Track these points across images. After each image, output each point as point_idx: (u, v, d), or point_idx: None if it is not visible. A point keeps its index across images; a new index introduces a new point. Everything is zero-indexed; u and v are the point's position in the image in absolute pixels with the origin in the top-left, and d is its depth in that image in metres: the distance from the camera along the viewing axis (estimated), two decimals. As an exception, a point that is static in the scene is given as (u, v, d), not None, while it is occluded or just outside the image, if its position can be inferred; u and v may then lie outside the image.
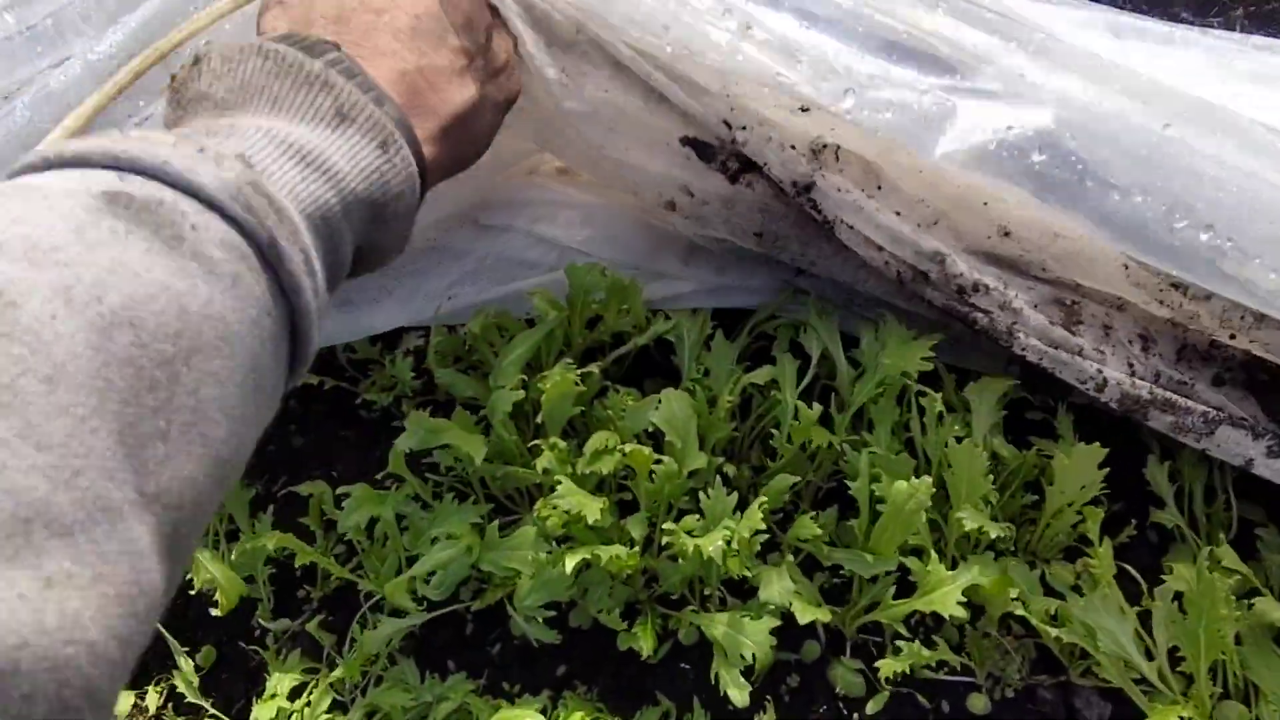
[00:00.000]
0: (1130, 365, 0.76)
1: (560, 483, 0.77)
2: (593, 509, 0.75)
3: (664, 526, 0.78)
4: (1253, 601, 0.76)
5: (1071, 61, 0.63)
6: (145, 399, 0.35)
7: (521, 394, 0.83)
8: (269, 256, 0.42)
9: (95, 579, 0.32)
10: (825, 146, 0.72)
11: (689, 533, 0.77)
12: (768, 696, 0.84)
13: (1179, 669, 0.77)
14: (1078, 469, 0.76)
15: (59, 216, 0.37)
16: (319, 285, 0.46)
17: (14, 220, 0.36)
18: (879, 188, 0.75)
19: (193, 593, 0.92)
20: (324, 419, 1.04)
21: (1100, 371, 0.74)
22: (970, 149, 0.65)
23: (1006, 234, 0.76)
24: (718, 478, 0.81)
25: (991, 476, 0.78)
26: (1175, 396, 0.76)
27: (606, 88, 0.71)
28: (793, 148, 0.73)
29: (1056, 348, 0.75)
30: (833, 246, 0.82)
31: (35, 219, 0.36)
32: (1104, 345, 0.77)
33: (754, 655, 0.77)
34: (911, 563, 0.79)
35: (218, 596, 0.88)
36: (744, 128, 0.72)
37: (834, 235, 0.77)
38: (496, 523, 0.85)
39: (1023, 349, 0.75)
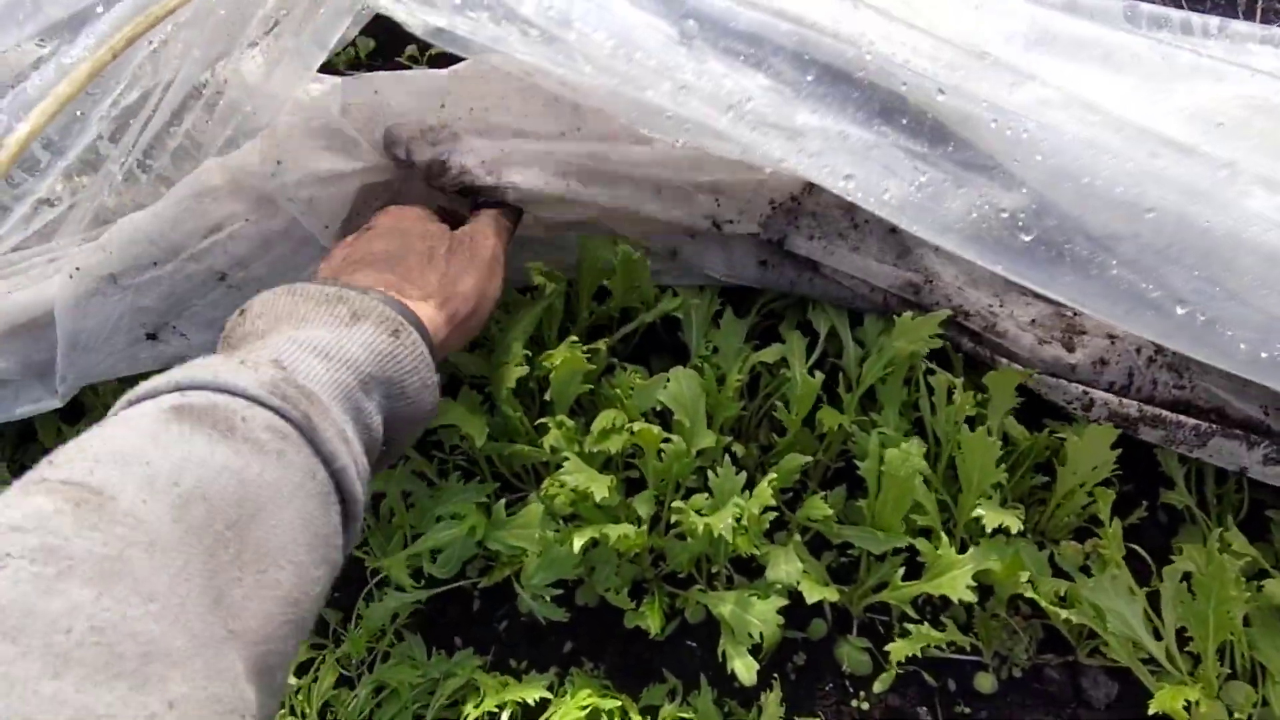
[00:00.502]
0: (1130, 375, 0.76)
1: (567, 459, 0.77)
2: (600, 487, 0.74)
3: (673, 505, 0.77)
4: (1262, 583, 0.76)
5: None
6: (220, 555, 0.45)
7: (525, 369, 0.82)
8: (306, 433, 0.53)
9: (208, 699, 0.40)
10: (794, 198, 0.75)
11: (698, 511, 0.76)
12: (774, 674, 0.84)
13: (1187, 649, 0.77)
14: (1090, 449, 0.75)
15: (138, 432, 0.48)
16: (355, 451, 0.56)
17: (105, 440, 0.48)
18: (854, 226, 0.76)
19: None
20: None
21: (1086, 393, 0.75)
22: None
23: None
24: (726, 456, 0.81)
25: (1005, 462, 0.77)
26: (1164, 413, 0.76)
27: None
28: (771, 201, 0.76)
29: (1044, 371, 0.75)
30: (822, 276, 0.84)
31: (121, 436, 0.48)
32: (1107, 354, 0.77)
33: (761, 634, 0.77)
34: (921, 544, 0.79)
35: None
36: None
37: (819, 271, 0.79)
38: (503, 501, 0.84)
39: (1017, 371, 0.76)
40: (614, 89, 0.60)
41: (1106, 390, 0.77)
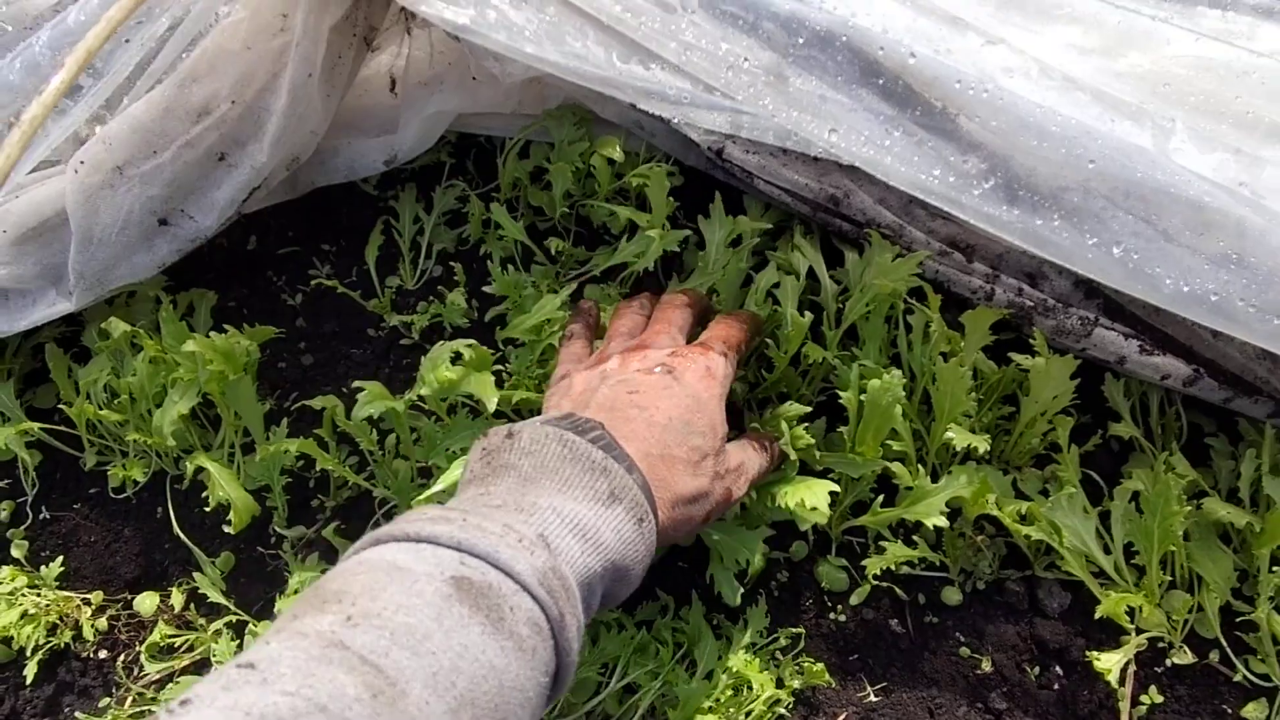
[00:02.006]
0: (1020, 290, 0.83)
1: None
2: None
3: None
4: (1200, 502, 0.84)
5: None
6: None
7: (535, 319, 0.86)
8: (556, 630, 0.56)
9: None
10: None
11: None
12: (759, 590, 0.91)
13: (1133, 562, 0.85)
14: (1051, 378, 0.82)
15: (425, 602, 0.51)
16: (580, 640, 0.59)
17: (399, 608, 0.50)
18: (784, 150, 0.80)
19: (209, 509, 0.96)
20: (332, 338, 1.07)
21: (988, 285, 0.82)
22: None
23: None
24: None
25: (975, 394, 0.84)
26: (1053, 301, 0.83)
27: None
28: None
29: (949, 267, 0.81)
30: (761, 181, 0.90)
31: (411, 607, 0.50)
32: (999, 263, 0.84)
33: (748, 560, 0.83)
34: (896, 468, 0.86)
35: (230, 515, 0.93)
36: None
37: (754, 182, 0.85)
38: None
39: (920, 265, 0.82)
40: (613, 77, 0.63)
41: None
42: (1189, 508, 0.80)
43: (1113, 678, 0.78)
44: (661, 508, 0.68)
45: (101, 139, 0.85)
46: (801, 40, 0.63)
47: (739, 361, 0.83)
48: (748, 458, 0.79)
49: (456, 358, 0.84)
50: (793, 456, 0.84)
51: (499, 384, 0.91)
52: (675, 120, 0.67)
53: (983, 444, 0.80)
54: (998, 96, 0.63)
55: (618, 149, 0.94)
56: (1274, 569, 0.82)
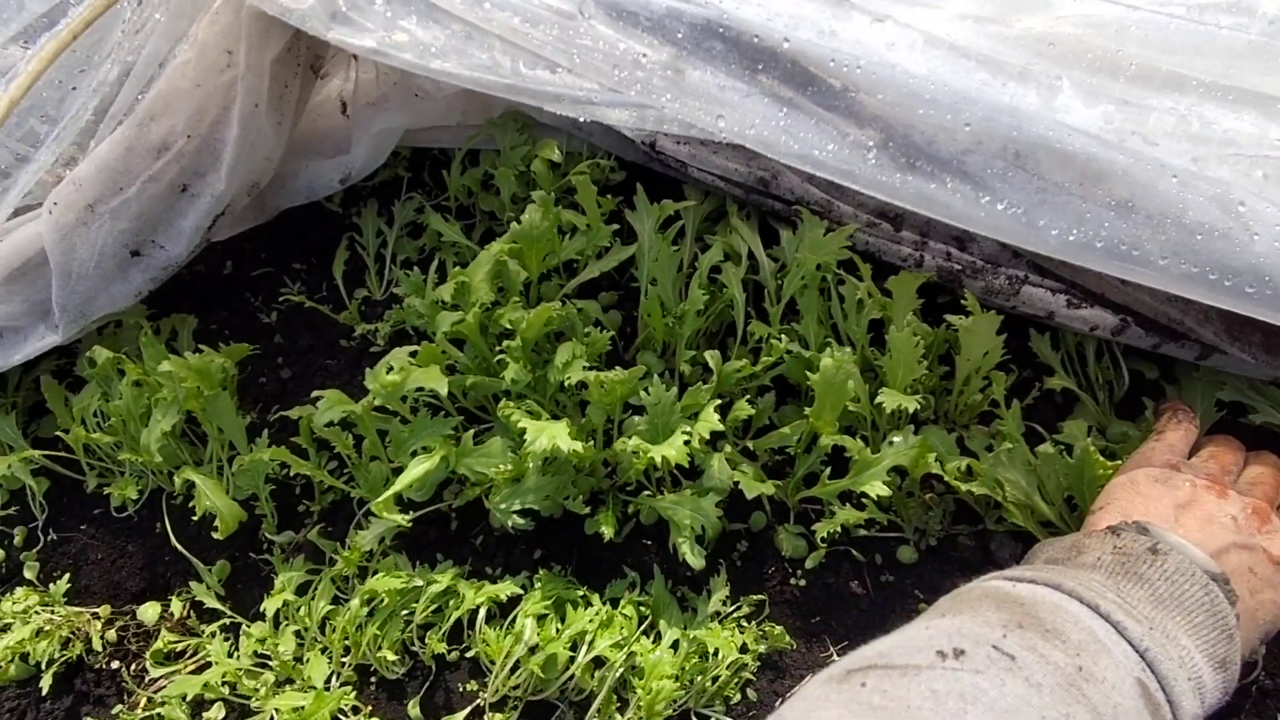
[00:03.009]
0: (948, 255, 0.85)
1: (524, 410, 0.86)
2: (564, 438, 0.82)
3: (629, 445, 0.86)
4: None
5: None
6: None
7: (459, 317, 0.91)
8: None
9: None
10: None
11: (640, 433, 0.86)
12: (720, 560, 0.95)
13: (1076, 512, 0.87)
14: (979, 335, 0.85)
15: (1125, 693, 0.57)
16: None
17: (1113, 688, 0.57)
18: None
19: (196, 519, 1.02)
20: (308, 351, 1.13)
21: (917, 253, 0.84)
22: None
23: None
24: (655, 378, 0.90)
25: (924, 360, 0.86)
26: (986, 264, 0.85)
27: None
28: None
29: (879, 238, 0.84)
30: (695, 169, 0.94)
31: (1119, 689, 0.57)
32: (926, 229, 0.87)
33: (704, 526, 0.87)
34: (845, 440, 0.89)
35: (217, 523, 0.98)
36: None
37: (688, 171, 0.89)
38: (471, 432, 0.94)
39: (850, 238, 0.85)
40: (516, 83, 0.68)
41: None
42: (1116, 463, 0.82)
43: None
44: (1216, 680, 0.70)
45: (72, 180, 0.92)
46: (681, 35, 0.67)
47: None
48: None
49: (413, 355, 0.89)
50: None
51: (452, 373, 0.95)
52: (583, 120, 0.71)
53: (911, 404, 0.83)
54: (875, 71, 0.66)
55: (556, 151, 0.98)
56: None
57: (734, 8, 0.68)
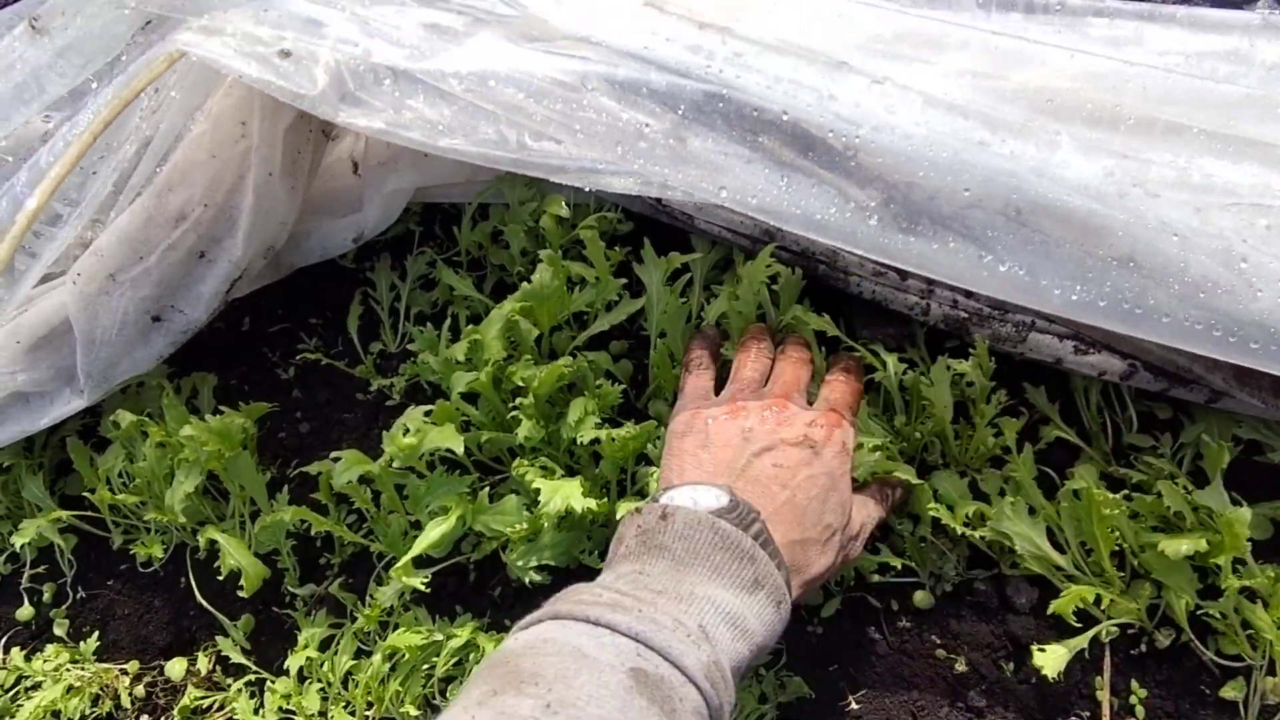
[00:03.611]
0: (955, 302, 0.86)
1: (536, 468, 0.87)
2: (577, 498, 0.83)
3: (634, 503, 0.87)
4: (1159, 541, 0.83)
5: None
6: None
7: (473, 376, 0.92)
8: (714, 717, 0.60)
9: None
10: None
11: (643, 491, 0.87)
12: (736, 611, 0.95)
13: (1092, 558, 0.87)
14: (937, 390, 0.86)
15: (611, 693, 0.56)
16: None
17: (591, 699, 0.55)
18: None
19: (221, 577, 1.04)
20: (325, 406, 1.15)
21: (924, 301, 0.84)
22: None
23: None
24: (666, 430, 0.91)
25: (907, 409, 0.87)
26: (988, 309, 0.85)
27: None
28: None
29: (885, 286, 0.85)
30: (702, 221, 0.96)
31: (600, 697, 0.55)
32: (931, 287, 0.87)
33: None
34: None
35: (242, 580, 1.00)
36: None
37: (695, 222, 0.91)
38: (486, 489, 0.95)
39: (858, 289, 0.86)
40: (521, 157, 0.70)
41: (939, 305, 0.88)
42: (1122, 508, 0.82)
43: (1049, 672, 0.80)
44: (795, 588, 0.72)
45: (94, 251, 0.94)
46: (682, 109, 0.68)
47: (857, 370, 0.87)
48: (867, 516, 0.83)
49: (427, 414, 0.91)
50: None
51: (467, 428, 0.96)
52: (588, 189, 0.73)
53: (874, 440, 0.84)
54: (875, 138, 0.67)
55: (563, 206, 0.99)
56: (1236, 569, 0.83)
57: (734, 77, 0.69)
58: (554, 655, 0.58)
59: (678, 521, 0.68)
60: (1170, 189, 0.71)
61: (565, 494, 0.83)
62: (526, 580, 0.94)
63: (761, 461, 0.75)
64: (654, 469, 0.92)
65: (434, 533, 0.88)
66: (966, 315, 0.89)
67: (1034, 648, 0.85)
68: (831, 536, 0.76)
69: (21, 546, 1.09)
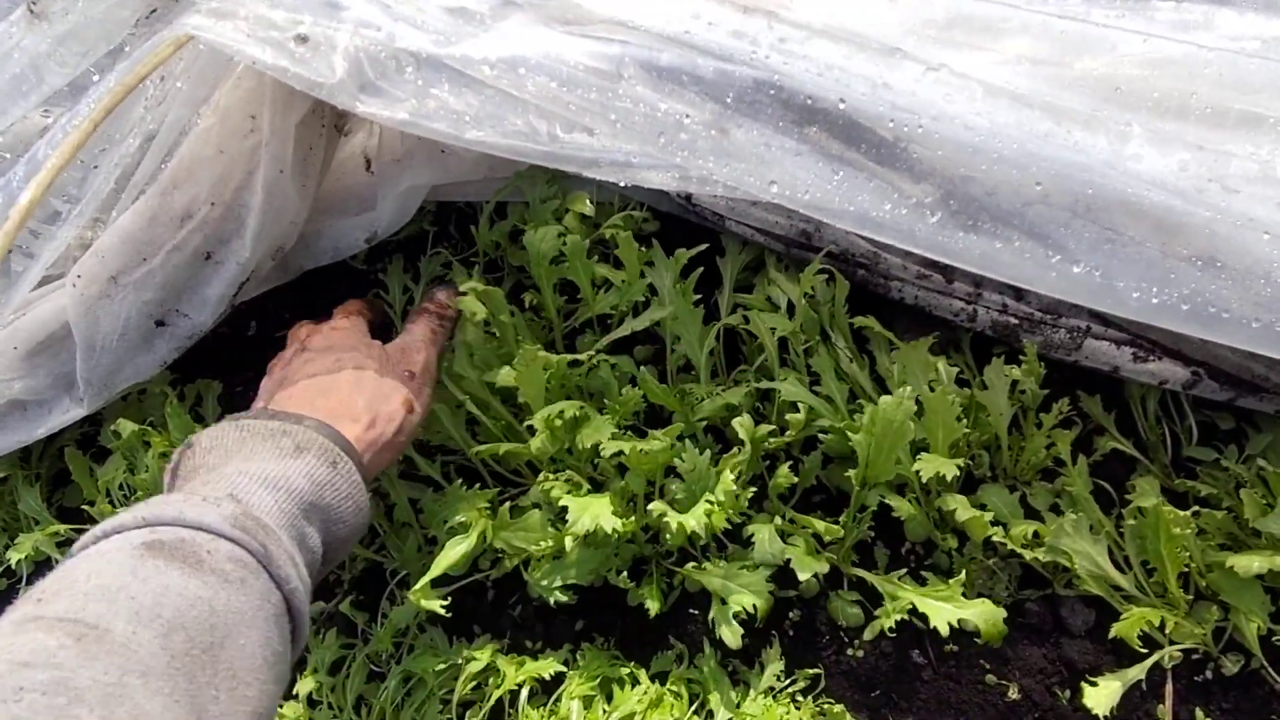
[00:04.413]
0: (1004, 307, 0.80)
1: (557, 482, 0.82)
2: (606, 515, 0.79)
3: (649, 507, 0.82)
4: (1230, 558, 0.78)
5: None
6: (199, 676, 0.53)
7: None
8: (263, 561, 0.61)
9: None
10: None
11: (675, 501, 0.82)
12: (773, 631, 0.90)
13: (1155, 578, 0.81)
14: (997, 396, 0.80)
15: (116, 566, 0.55)
16: (301, 572, 0.64)
17: (88, 575, 0.54)
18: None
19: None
20: (335, 413, 1.09)
21: (970, 306, 0.79)
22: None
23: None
24: (688, 443, 0.85)
25: (963, 419, 0.81)
26: (1039, 314, 0.80)
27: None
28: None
29: (929, 291, 0.80)
30: (732, 222, 0.91)
31: (101, 572, 0.55)
32: (979, 290, 0.82)
33: (755, 605, 0.82)
34: (894, 500, 0.84)
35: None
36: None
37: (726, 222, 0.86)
38: (507, 505, 0.90)
39: (899, 294, 0.80)
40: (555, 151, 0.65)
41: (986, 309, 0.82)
42: (1190, 528, 0.76)
43: (1100, 711, 0.75)
44: (355, 433, 0.75)
45: (95, 252, 0.89)
46: (730, 98, 0.63)
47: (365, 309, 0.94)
48: (410, 333, 0.88)
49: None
50: None
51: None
52: (624, 185, 0.68)
53: (951, 468, 0.78)
54: (936, 129, 0.62)
55: (588, 204, 0.95)
56: None
57: (781, 64, 0.64)
58: (57, 571, 0.56)
59: (203, 440, 0.70)
60: (1251, 184, 0.66)
61: (594, 513, 0.78)
62: (551, 600, 0.89)
63: (273, 373, 0.83)
64: (679, 484, 0.87)
65: (454, 552, 0.83)
66: (1017, 321, 0.84)
67: (1084, 684, 0.79)
68: (361, 371, 0.80)
69: (18, 562, 1.04)
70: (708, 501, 0.79)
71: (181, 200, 0.88)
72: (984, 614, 0.77)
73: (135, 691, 0.49)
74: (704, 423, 0.92)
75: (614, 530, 0.77)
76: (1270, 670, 0.80)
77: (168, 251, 0.90)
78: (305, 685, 0.92)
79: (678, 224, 0.98)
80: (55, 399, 1.00)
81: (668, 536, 0.84)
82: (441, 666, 0.89)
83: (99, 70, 0.84)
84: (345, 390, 0.78)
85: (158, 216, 0.88)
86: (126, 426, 0.96)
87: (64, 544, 1.10)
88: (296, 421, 0.72)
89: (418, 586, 0.82)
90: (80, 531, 1.07)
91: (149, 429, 0.98)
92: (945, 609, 0.77)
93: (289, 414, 0.74)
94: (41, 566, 1.13)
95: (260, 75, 0.80)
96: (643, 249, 0.95)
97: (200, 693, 0.52)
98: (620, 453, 0.85)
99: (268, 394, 0.82)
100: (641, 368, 0.96)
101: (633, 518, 0.84)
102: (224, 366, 1.13)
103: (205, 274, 0.93)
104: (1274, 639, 0.79)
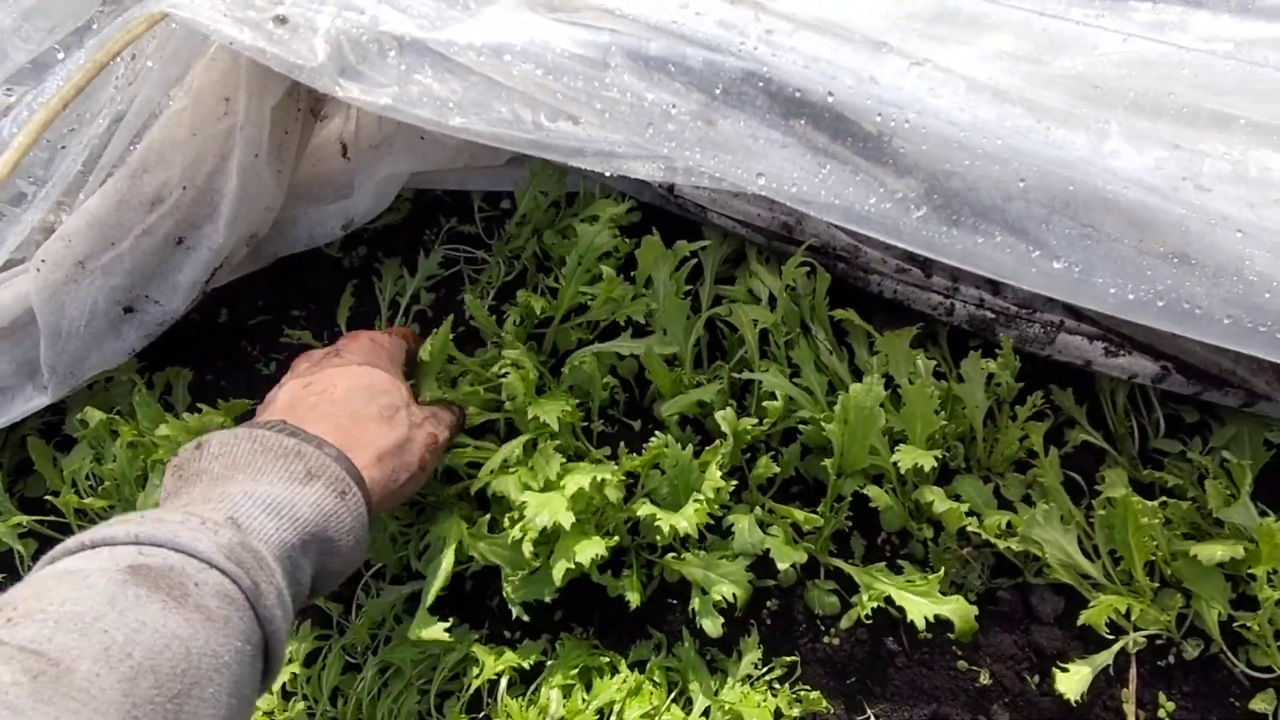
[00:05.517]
0: (981, 301, 0.82)
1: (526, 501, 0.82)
2: (565, 517, 0.78)
3: (644, 511, 0.82)
4: (1192, 548, 0.80)
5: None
6: None
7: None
8: (251, 598, 0.58)
9: None
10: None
11: (659, 499, 0.82)
12: (751, 620, 0.91)
13: (1121, 566, 0.83)
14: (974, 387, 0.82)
15: (96, 593, 0.52)
16: (287, 610, 0.61)
17: (64, 599, 0.51)
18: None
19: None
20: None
21: (948, 300, 0.80)
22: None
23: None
24: (670, 438, 0.85)
25: (940, 411, 0.83)
26: (1015, 308, 0.82)
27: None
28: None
29: (908, 285, 0.81)
30: (714, 214, 0.91)
31: (79, 598, 0.51)
32: (956, 285, 0.83)
33: (734, 594, 0.83)
34: (872, 490, 0.85)
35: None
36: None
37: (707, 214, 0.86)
38: (488, 516, 0.89)
39: (879, 288, 0.81)
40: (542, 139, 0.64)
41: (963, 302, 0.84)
42: (1158, 518, 0.78)
43: (1071, 695, 0.77)
44: (367, 467, 0.72)
45: (60, 236, 0.87)
46: (719, 88, 0.63)
47: (405, 336, 0.90)
48: (440, 412, 0.84)
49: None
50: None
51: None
52: (609, 175, 0.67)
53: (929, 460, 0.79)
54: (921, 123, 0.63)
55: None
56: (1271, 580, 0.80)
57: (769, 55, 0.64)
58: (34, 583, 0.53)
59: (213, 444, 0.67)
60: (1223, 182, 0.67)
61: (553, 510, 0.78)
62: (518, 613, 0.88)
63: (291, 389, 0.78)
64: (662, 477, 0.87)
65: (440, 576, 0.82)
66: (993, 315, 0.85)
67: (1055, 669, 0.81)
68: (395, 413, 0.77)
69: (-22, 553, 1.01)
70: (696, 500, 0.80)
71: (152, 184, 0.86)
72: (958, 611, 0.79)
73: None
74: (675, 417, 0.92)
75: (571, 525, 0.78)
76: (1229, 655, 0.83)
77: (137, 236, 0.87)
78: (280, 677, 0.91)
79: (659, 215, 0.98)
80: (18, 386, 0.97)
81: (657, 538, 0.84)
82: (419, 656, 0.88)
83: (64, 48, 0.82)
84: (373, 426, 0.74)
85: (127, 200, 0.86)
86: (94, 415, 0.94)
87: (26, 535, 1.07)
88: (317, 446, 0.68)
89: (417, 619, 0.82)
90: (43, 523, 1.05)
91: (116, 418, 0.95)
92: (922, 604, 0.78)
93: (309, 435, 0.69)
94: (4, 559, 1.10)
95: (235, 56, 0.78)
96: (626, 240, 0.94)
97: None
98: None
99: (289, 396, 0.77)
100: (630, 356, 0.95)
101: (615, 539, 0.84)
102: (194, 354, 1.11)
103: (176, 260, 0.90)
104: (1234, 625, 0.82)
